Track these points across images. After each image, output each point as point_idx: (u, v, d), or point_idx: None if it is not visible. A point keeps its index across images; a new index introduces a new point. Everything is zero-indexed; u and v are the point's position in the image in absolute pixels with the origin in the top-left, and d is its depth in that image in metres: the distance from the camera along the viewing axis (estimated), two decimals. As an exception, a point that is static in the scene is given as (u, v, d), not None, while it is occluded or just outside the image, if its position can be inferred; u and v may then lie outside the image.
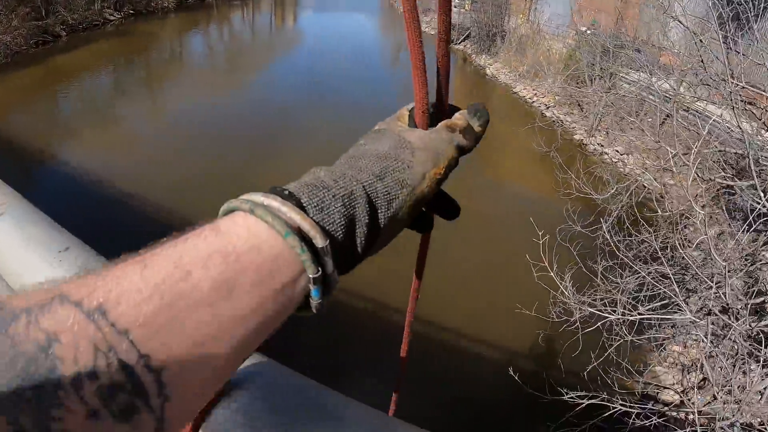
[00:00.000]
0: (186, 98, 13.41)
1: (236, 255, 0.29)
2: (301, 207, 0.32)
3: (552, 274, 5.38)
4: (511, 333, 5.53)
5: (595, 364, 4.44)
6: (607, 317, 4.96)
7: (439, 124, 0.44)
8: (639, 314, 5.11)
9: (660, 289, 5.39)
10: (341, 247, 0.34)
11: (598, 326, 4.86)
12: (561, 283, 5.32)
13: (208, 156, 9.93)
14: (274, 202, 0.31)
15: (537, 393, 3.95)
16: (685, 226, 7.35)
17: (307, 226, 0.31)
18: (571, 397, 3.77)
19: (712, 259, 5.18)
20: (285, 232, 0.30)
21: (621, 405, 3.92)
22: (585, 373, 4.45)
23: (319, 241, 0.31)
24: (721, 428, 3.92)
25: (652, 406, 4.19)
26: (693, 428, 3.96)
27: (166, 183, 8.70)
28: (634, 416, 3.71)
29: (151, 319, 0.25)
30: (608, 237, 6.00)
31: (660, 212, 6.96)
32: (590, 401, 3.72)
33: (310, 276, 0.31)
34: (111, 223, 7.12)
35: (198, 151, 10.20)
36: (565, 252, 6.21)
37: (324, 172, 0.37)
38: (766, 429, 3.90)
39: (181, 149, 10.27)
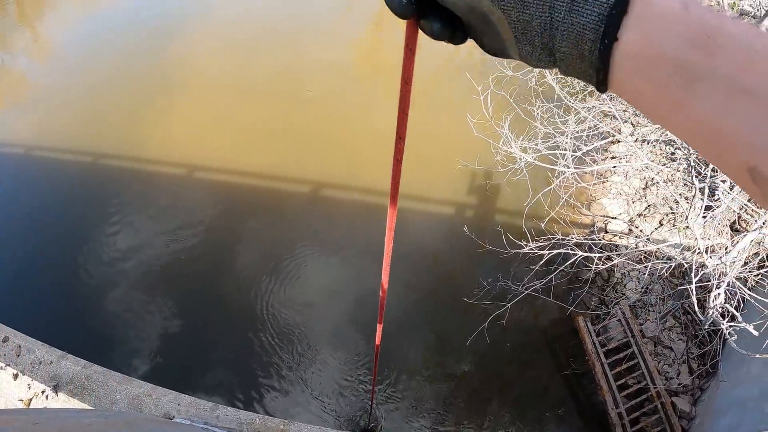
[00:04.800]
0: None
1: None
2: None
3: (492, 123, 4.89)
4: (458, 190, 5.16)
5: (546, 208, 4.20)
6: (551, 152, 4.69)
7: None
8: (580, 150, 4.90)
9: (594, 122, 5.16)
10: None
11: (544, 168, 4.58)
12: (501, 132, 4.87)
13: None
14: None
15: (497, 249, 3.65)
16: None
17: None
18: (531, 249, 3.50)
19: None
20: None
21: (576, 245, 3.74)
22: (539, 221, 4.23)
23: None
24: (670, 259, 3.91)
25: (604, 239, 4.10)
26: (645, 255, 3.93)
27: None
28: (596, 259, 3.55)
29: None
30: (546, 77, 5.52)
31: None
32: (550, 252, 3.47)
33: None
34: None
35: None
36: (501, 100, 5.72)
37: None
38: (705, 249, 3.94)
39: None
